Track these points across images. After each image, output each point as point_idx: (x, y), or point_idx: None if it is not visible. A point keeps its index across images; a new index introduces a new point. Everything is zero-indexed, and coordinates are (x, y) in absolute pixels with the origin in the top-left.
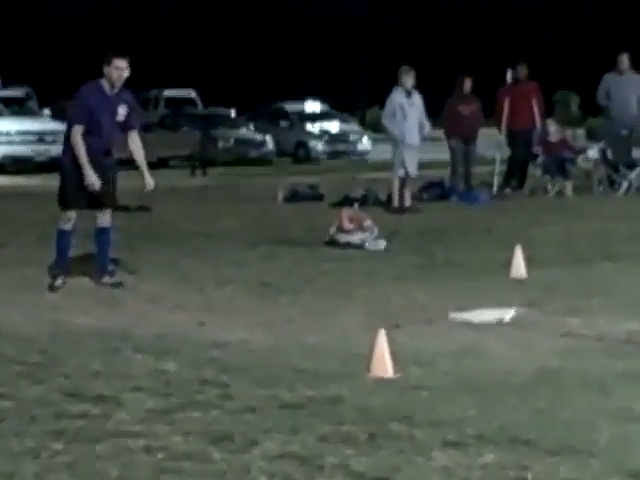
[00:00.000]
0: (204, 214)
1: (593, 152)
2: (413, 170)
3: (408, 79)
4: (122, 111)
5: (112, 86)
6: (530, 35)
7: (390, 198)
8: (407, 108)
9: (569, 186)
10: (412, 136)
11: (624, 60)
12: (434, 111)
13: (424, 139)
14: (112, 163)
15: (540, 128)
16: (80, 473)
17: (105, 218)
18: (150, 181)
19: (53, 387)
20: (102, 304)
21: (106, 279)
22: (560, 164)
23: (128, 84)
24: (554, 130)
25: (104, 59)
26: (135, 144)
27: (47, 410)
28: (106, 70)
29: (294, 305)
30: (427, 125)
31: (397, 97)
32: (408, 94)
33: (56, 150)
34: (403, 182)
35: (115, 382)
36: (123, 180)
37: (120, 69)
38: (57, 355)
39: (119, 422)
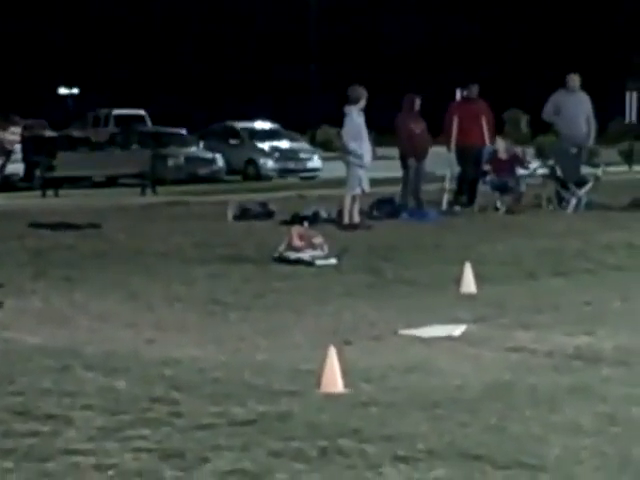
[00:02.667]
0: (154, 232)
1: (537, 167)
2: (367, 187)
3: (364, 99)
4: (0, 161)
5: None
6: (479, 54)
7: (340, 215)
8: (363, 128)
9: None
10: (369, 156)
11: (575, 79)
12: (380, 129)
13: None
14: None
15: (490, 146)
16: None
17: None
18: None
19: (2, 405)
20: (51, 322)
21: None
22: (505, 186)
23: (78, 103)
24: (503, 148)
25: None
26: None
27: None
28: (0, 133)
29: (244, 322)
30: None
31: (355, 117)
32: (359, 113)
33: None
34: (353, 199)
35: (65, 400)
36: (72, 199)
37: (15, 134)
38: (6, 373)
39: (69, 440)
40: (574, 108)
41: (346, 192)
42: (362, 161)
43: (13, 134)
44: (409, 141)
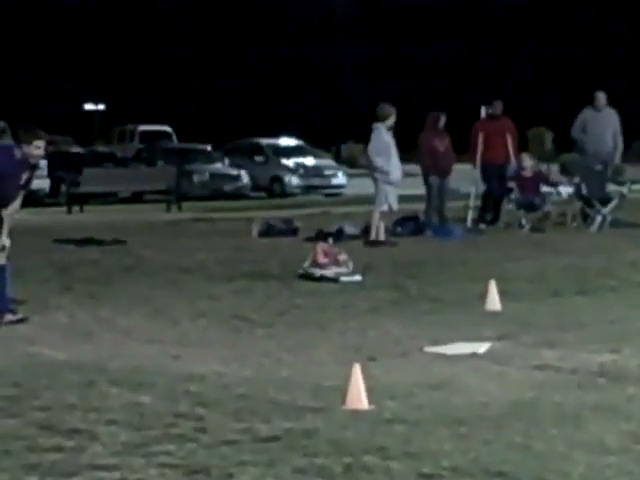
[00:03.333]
0: (179, 248)
1: (565, 188)
2: (395, 205)
3: (392, 117)
4: (25, 176)
5: (26, 158)
6: (504, 72)
7: (366, 231)
8: (392, 146)
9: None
10: (398, 173)
11: (601, 97)
12: (406, 147)
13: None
14: None
15: (515, 163)
16: None
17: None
18: (6, 241)
19: (27, 420)
20: (76, 337)
21: (9, 317)
22: (532, 204)
23: (104, 119)
24: (529, 164)
25: (24, 131)
26: (16, 203)
27: (21, 443)
28: (25, 147)
29: (269, 338)
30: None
31: (383, 134)
32: (388, 131)
33: None
34: (381, 216)
35: (90, 415)
36: (97, 214)
37: (40, 148)
38: (31, 388)
39: (94, 455)
40: (601, 126)
41: (374, 208)
42: (389, 178)
43: (37, 148)
44: (431, 158)
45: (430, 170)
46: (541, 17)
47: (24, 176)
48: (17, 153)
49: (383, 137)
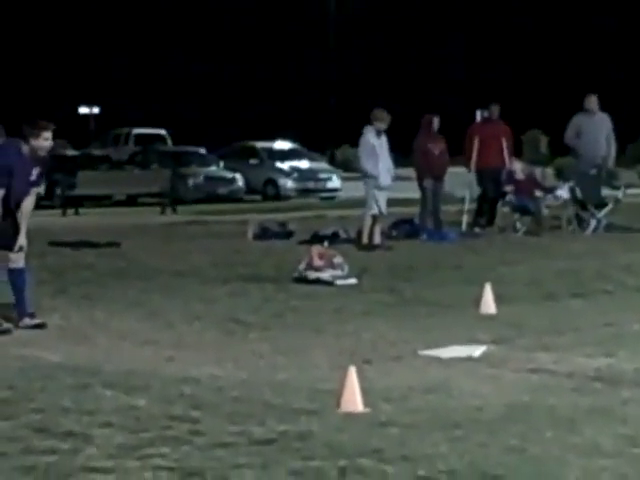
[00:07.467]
0: (173, 251)
1: (562, 191)
2: (385, 208)
3: (383, 122)
4: (35, 172)
5: (34, 153)
6: (498, 75)
7: (360, 235)
8: (378, 148)
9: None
10: (385, 176)
11: (593, 100)
12: (402, 150)
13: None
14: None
15: (508, 167)
16: None
17: (19, 259)
18: (23, 242)
19: (22, 423)
20: (71, 340)
21: (27, 321)
22: (524, 207)
23: (98, 122)
24: (519, 168)
25: (29, 126)
26: (29, 201)
27: (16, 446)
28: (33, 140)
29: (264, 341)
30: (392, 168)
31: (370, 137)
32: (378, 134)
33: None
34: (374, 220)
35: (85, 418)
36: (92, 217)
37: (48, 139)
38: (26, 391)
39: (89, 458)
40: (594, 130)
41: (364, 212)
42: (377, 181)
43: (46, 140)
44: (426, 162)
45: (425, 174)
46: (535, 21)
47: (34, 172)
48: (24, 148)
49: (369, 140)
